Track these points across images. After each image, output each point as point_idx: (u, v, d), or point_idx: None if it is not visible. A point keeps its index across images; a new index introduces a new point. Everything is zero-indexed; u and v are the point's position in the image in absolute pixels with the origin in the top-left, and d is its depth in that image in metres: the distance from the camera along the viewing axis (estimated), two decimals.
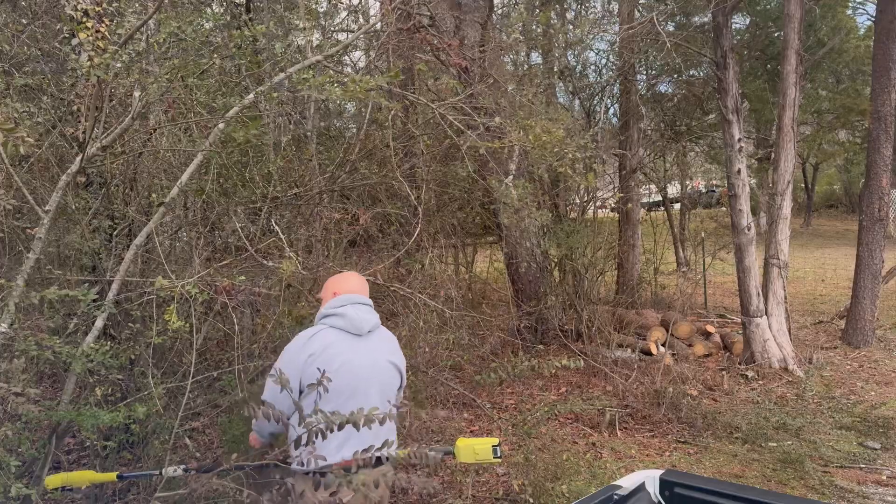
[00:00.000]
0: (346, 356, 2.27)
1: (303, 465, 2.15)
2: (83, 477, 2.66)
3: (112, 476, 2.67)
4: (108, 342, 2.90)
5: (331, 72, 2.98)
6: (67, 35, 3.20)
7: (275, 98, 3.01)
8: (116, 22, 2.95)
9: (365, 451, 1.83)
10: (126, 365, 2.86)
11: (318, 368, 2.13)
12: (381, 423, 1.65)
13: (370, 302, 2.46)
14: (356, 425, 1.59)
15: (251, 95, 2.82)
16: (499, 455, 2.56)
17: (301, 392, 2.24)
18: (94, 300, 2.77)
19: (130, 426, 2.87)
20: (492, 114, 4.11)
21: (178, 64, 2.99)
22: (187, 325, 2.58)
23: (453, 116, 3.58)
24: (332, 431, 1.61)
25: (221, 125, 2.83)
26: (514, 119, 3.96)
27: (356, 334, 2.32)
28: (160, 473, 2.57)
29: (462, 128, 3.49)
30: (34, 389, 1.84)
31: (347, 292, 2.42)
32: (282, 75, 2.89)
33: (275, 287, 3.42)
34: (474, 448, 2.55)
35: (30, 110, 2.76)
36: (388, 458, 2.23)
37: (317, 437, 1.63)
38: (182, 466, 2.54)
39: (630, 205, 9.30)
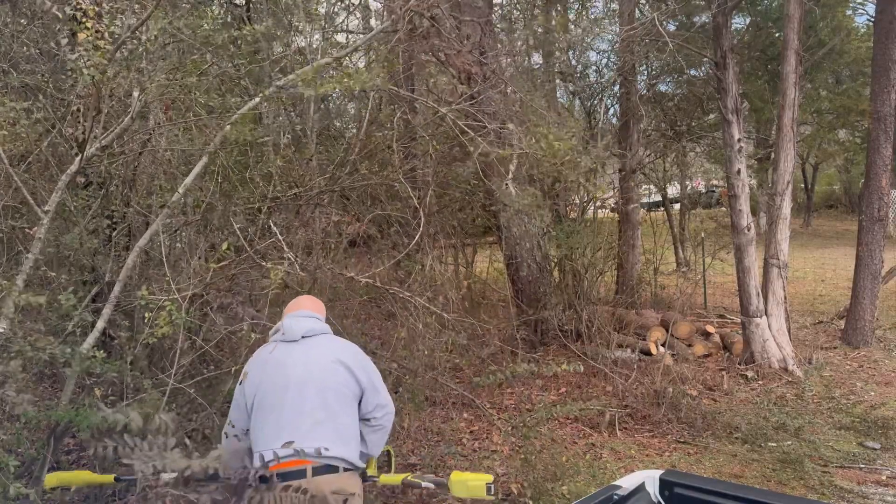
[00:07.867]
0: (280, 359, 2.46)
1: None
2: (80, 477, 2.65)
3: (109, 478, 2.65)
4: (107, 343, 2.89)
5: (332, 73, 2.97)
6: (68, 35, 3.20)
7: (280, 100, 3.00)
8: (110, 20, 2.94)
9: (287, 443, 2.16)
10: (125, 368, 2.86)
11: (260, 368, 2.44)
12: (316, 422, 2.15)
13: (313, 314, 2.64)
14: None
15: (256, 99, 2.81)
16: (492, 493, 2.61)
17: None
18: (94, 299, 2.77)
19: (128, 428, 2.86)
20: (500, 118, 4.09)
21: (176, 63, 2.98)
22: (169, 330, 2.61)
23: (461, 121, 3.57)
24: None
25: (228, 127, 2.82)
26: (525, 126, 3.94)
27: (291, 340, 2.51)
28: (158, 478, 2.57)
29: (470, 132, 3.47)
30: (27, 395, 1.84)
31: (295, 310, 2.64)
32: (291, 77, 2.87)
33: (271, 288, 3.42)
34: (468, 483, 2.59)
35: (27, 108, 2.75)
36: (345, 469, 2.28)
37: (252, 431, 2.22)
38: (175, 473, 2.55)
39: (630, 205, 9.29)
